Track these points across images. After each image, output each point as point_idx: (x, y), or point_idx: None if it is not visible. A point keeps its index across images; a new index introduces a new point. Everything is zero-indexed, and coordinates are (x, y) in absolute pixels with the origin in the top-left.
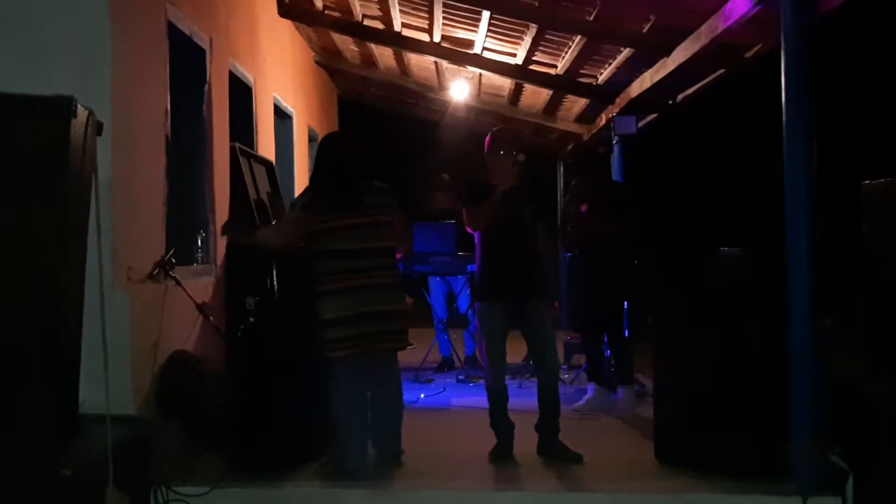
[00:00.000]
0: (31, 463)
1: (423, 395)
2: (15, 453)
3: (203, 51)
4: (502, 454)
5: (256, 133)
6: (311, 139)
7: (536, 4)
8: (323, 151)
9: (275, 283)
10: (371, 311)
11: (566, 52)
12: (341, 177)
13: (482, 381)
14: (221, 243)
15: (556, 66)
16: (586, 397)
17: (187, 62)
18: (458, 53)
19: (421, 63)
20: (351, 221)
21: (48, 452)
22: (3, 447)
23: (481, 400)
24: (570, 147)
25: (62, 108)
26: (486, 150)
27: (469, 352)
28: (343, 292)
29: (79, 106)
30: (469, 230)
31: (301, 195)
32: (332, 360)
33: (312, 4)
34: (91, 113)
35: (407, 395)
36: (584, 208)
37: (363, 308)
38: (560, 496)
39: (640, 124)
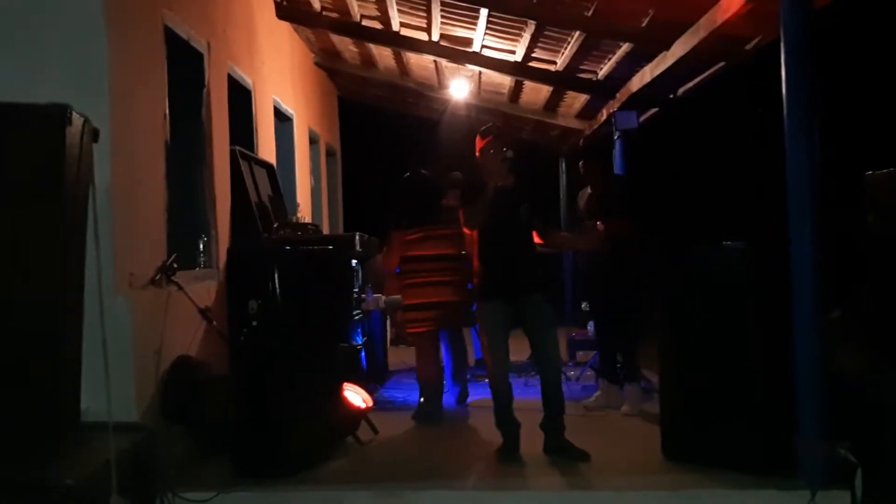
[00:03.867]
0: (33, 472)
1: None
2: (17, 463)
3: (201, 55)
4: (508, 453)
5: (257, 136)
6: (313, 141)
7: (534, 1)
8: (408, 187)
9: (277, 286)
10: (437, 301)
11: (565, 48)
12: (424, 202)
13: (487, 381)
14: (223, 247)
15: (555, 63)
16: (597, 393)
17: (185, 67)
18: (457, 52)
19: (420, 62)
20: (430, 234)
21: (50, 462)
22: (4, 457)
23: (487, 399)
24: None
25: (57, 116)
26: (476, 150)
27: (479, 354)
28: (420, 286)
29: (73, 114)
30: (467, 231)
31: (392, 216)
32: (411, 335)
33: (310, 6)
34: (86, 120)
35: (413, 396)
36: (590, 191)
37: (432, 297)
38: (566, 495)
39: (642, 119)
